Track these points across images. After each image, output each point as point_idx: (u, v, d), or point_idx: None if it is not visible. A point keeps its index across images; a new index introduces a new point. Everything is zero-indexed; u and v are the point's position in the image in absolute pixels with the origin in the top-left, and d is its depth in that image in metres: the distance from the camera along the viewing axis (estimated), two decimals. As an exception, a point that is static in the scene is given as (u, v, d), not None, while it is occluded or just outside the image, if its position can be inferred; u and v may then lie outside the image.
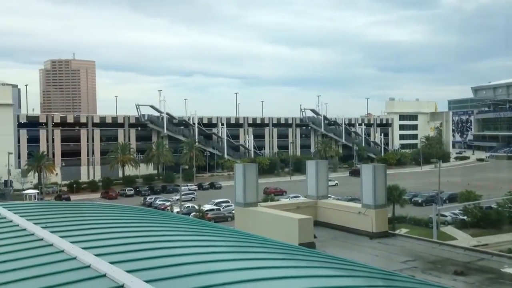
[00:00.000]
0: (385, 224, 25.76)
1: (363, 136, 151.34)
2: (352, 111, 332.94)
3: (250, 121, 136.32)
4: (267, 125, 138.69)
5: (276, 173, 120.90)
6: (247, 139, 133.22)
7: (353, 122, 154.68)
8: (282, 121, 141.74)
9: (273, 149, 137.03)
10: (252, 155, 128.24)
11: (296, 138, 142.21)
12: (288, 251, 11.71)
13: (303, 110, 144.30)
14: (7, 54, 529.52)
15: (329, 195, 31.79)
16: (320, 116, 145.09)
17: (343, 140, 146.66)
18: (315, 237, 23.08)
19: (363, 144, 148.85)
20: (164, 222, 13.88)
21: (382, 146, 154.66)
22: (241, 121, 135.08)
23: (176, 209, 67.01)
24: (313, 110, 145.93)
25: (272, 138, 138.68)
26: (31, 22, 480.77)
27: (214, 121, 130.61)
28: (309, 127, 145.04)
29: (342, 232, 25.79)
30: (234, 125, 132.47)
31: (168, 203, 75.44)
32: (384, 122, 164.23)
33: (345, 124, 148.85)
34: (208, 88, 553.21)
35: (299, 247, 13.91)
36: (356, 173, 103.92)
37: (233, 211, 36.84)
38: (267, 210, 25.37)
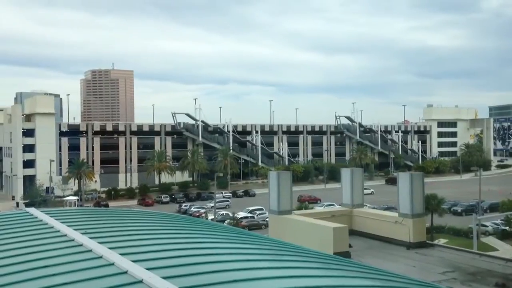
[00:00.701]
0: (423, 234, 25.10)
1: (400, 143, 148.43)
2: (388, 118, 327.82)
3: (284, 129, 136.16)
4: (301, 132, 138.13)
5: (310, 180, 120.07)
6: (281, 147, 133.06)
7: (389, 129, 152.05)
8: (317, 129, 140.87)
9: (307, 157, 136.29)
10: (286, 163, 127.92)
11: (330, 145, 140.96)
12: (323, 260, 11.59)
13: (337, 117, 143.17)
14: (51, 65, 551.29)
15: (364, 204, 31.31)
16: (355, 123, 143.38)
17: (379, 148, 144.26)
18: (350, 246, 22.74)
19: (400, 152, 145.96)
20: (199, 230, 14.02)
21: (420, 153, 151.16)
22: (275, 129, 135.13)
23: (210, 217, 67.47)
24: (348, 117, 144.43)
25: (306, 145, 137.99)
26: (74, 33, 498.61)
27: (248, 129, 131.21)
28: (344, 135, 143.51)
29: (378, 242, 25.30)
30: (268, 133, 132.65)
31: (202, 210, 76.12)
32: (422, 129, 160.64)
33: (381, 131, 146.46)
34: (243, 96, 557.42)
35: (334, 256, 13.74)
36: (392, 181, 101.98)
37: (267, 219, 36.79)
38: (301, 218, 25.21)
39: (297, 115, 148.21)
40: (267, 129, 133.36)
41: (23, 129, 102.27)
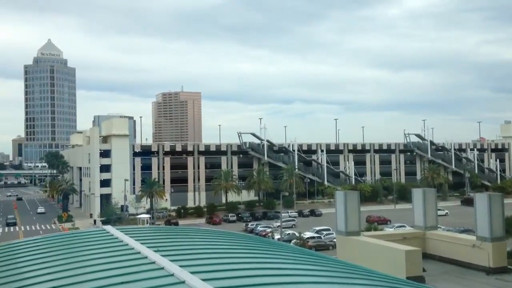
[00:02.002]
0: (503, 259, 23.42)
1: (476, 162, 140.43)
2: (462, 136, 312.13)
3: (351, 147, 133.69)
4: (368, 151, 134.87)
5: (378, 200, 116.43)
6: (348, 166, 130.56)
7: (463, 147, 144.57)
8: (384, 147, 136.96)
9: (375, 176, 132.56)
10: (353, 182, 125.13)
11: (400, 164, 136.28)
12: (396, 285, 11.14)
13: (407, 135, 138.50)
14: (125, 89, 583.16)
15: (438, 226, 29.83)
16: (426, 141, 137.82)
17: (453, 167, 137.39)
18: (424, 270, 21.68)
19: (476, 171, 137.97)
20: (266, 249, 14.02)
21: (498, 173, 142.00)
22: (341, 147, 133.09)
23: (277, 236, 67.17)
24: (418, 135, 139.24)
25: (374, 164, 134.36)
26: (147, 58, 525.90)
27: (313, 148, 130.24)
28: (414, 153, 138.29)
29: (454, 266, 23.92)
30: (334, 152, 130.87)
31: (269, 230, 76.00)
32: (500, 147, 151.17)
33: (454, 149, 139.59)
34: (308, 115, 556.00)
35: (407, 281, 13.16)
36: (468, 202, 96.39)
37: (334, 239, 36.02)
38: (371, 240, 24.45)
39: (363, 133, 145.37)
40: (332, 147, 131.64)
41: (100, 150, 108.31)
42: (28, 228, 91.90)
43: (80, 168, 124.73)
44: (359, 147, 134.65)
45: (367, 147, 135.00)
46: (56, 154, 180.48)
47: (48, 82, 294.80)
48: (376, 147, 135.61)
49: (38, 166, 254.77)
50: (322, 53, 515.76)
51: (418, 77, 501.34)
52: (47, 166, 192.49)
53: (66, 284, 9.40)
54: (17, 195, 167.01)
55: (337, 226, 25.65)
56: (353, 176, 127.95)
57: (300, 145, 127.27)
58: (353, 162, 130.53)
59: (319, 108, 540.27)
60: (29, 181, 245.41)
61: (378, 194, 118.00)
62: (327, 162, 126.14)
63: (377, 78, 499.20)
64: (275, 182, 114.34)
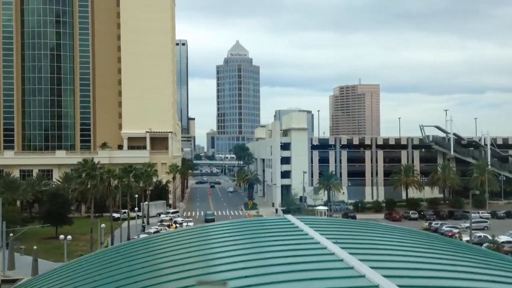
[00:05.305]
0: None
1: None
2: None
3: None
4: None
5: None
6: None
7: None
8: None
9: None
10: None
11: None
12: None
13: None
14: (304, 84, 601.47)
15: None
16: None
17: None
18: None
19: None
20: (452, 251, 12.90)
21: None
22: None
23: (465, 238, 61.73)
24: None
25: None
26: (324, 53, 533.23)
27: (510, 142, 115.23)
28: None
29: None
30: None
31: (456, 230, 70.42)
32: None
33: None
34: (504, 105, 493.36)
35: None
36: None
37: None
38: None
39: None
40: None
41: (281, 143, 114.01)
42: (219, 213, 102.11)
43: (263, 160, 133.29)
44: None
45: None
46: (242, 146, 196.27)
47: (236, 80, 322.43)
48: None
49: (227, 157, 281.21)
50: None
51: None
52: (235, 157, 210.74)
53: (253, 267, 10.12)
54: (210, 182, 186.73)
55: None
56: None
57: (494, 139, 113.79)
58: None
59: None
60: (220, 170, 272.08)
61: None
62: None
63: None
64: (463, 179, 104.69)
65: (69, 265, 14.20)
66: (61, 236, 48.53)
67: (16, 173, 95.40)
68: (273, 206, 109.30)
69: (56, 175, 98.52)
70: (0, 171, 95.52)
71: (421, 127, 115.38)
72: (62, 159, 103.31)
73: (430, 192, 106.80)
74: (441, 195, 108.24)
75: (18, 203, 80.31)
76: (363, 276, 8.53)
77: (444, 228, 73.68)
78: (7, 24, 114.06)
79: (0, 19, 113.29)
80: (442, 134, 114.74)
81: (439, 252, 12.46)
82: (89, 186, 63.84)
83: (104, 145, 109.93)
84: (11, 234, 50.15)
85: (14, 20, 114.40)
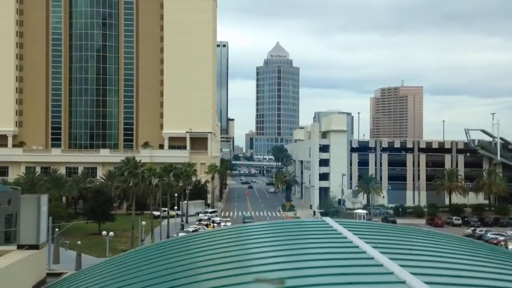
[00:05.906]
0: None
1: None
2: None
3: None
4: None
5: None
6: None
7: None
8: None
9: None
10: None
11: None
12: None
13: None
14: (345, 86, 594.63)
15: None
16: None
17: None
18: None
19: None
20: (501, 260, 12.41)
21: None
22: None
23: (511, 246, 59.29)
24: None
25: None
26: (365, 55, 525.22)
27: None
28: None
29: None
30: None
31: (501, 238, 67.75)
32: None
33: None
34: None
35: None
36: None
37: None
38: None
39: None
40: None
41: (319, 145, 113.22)
42: (257, 213, 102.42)
43: (302, 162, 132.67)
44: None
45: None
46: (281, 147, 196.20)
47: (276, 81, 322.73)
48: None
49: (265, 158, 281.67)
50: None
51: None
52: (273, 158, 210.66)
53: (291, 268, 10.09)
54: (248, 183, 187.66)
55: None
56: None
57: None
58: None
59: None
60: (258, 171, 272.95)
61: None
62: None
63: None
64: (510, 185, 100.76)
65: (111, 260, 14.63)
66: (104, 232, 50.12)
67: (62, 170, 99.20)
68: (310, 208, 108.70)
69: (100, 173, 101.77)
70: (47, 168, 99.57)
71: (466, 131, 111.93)
72: (106, 157, 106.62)
73: (475, 198, 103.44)
74: (486, 201, 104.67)
75: (63, 199, 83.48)
76: (403, 282, 8.35)
77: (489, 235, 71.17)
78: (57, 27, 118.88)
79: (50, 22, 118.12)
80: (488, 138, 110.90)
81: (484, 260, 12.02)
82: (131, 184, 65.56)
83: (146, 145, 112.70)
84: (56, 229, 52.07)
85: (63, 23, 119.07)
